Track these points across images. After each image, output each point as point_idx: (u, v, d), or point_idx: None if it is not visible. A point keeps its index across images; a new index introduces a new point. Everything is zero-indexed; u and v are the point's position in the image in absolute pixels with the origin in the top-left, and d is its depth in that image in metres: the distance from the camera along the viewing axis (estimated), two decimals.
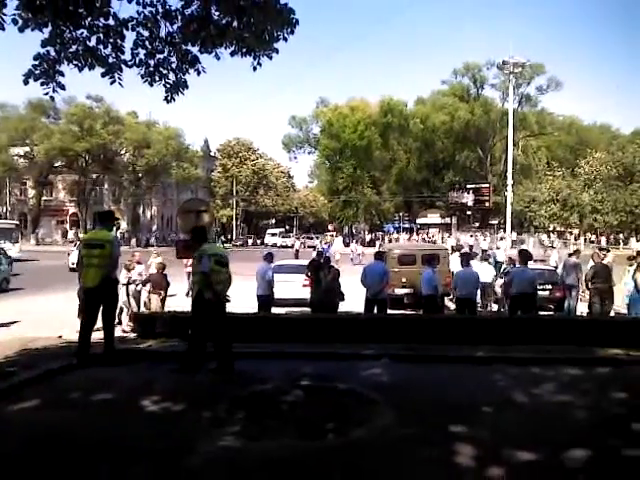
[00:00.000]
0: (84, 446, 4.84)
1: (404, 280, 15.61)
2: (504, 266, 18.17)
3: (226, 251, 8.83)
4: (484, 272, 17.51)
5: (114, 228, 8.56)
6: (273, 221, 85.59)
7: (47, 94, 6.29)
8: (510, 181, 46.95)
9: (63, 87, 6.30)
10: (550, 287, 16.04)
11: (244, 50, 6.75)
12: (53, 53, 6.19)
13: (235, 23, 6.58)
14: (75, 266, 25.40)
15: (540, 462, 4.49)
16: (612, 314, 13.70)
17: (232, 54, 6.73)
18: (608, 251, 15.85)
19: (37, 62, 6.13)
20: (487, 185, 68.32)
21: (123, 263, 12.27)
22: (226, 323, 7.61)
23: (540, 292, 15.32)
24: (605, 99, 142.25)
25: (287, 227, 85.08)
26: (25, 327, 12.19)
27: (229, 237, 71.86)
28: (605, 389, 6.69)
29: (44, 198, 63.89)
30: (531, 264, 18.76)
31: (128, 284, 12.85)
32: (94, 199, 62.57)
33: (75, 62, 6.31)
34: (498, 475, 4.24)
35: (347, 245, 46.88)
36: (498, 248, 31.93)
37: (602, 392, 6.58)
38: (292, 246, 47.60)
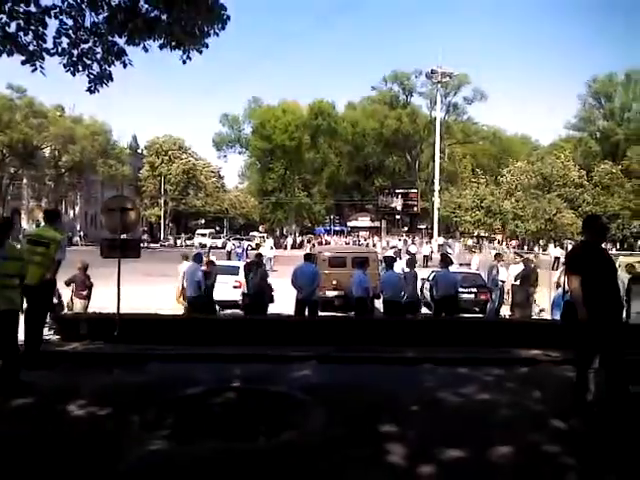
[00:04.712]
0: (2, 455, 4.57)
1: (334, 282, 15.67)
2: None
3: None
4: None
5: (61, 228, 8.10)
6: (203, 221, 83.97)
7: None
8: (437, 187, 48.54)
9: None
10: (475, 290, 16.52)
11: (173, 44, 6.61)
12: None
13: (165, 17, 6.43)
14: None
15: (467, 459, 4.62)
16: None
17: (161, 47, 6.59)
18: (521, 257, 16.50)
19: None
20: (415, 190, 70.38)
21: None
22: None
23: (466, 295, 15.85)
24: (526, 112, 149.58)
25: (217, 228, 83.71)
26: None
27: (158, 236, 69.88)
28: (526, 388, 6.95)
29: None
30: (457, 268, 19.48)
31: None
32: (12, 195, 59.34)
33: None
34: (428, 473, 4.32)
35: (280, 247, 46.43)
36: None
37: (523, 391, 6.82)
38: (223, 247, 46.83)
